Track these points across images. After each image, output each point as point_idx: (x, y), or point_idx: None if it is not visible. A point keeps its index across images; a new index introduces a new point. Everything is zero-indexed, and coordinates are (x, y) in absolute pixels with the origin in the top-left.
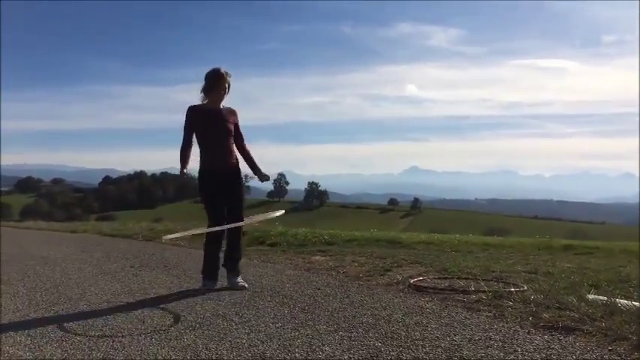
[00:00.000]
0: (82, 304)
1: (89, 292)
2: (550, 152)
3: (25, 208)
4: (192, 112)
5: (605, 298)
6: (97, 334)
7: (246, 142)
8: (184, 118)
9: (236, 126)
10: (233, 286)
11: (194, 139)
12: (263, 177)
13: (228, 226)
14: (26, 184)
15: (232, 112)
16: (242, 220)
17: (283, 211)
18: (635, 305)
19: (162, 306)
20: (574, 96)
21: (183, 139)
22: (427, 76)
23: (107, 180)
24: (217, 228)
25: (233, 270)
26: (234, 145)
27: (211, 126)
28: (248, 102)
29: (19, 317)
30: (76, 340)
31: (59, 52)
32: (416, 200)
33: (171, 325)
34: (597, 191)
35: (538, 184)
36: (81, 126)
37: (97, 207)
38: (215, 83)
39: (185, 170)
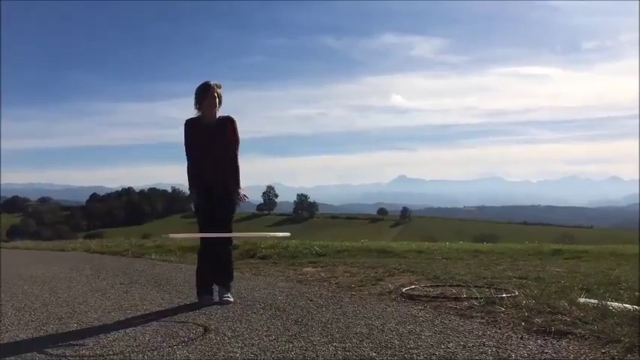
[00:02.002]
0: (72, 323)
1: (79, 311)
2: (536, 158)
3: (12, 227)
4: (188, 125)
5: (596, 301)
6: (88, 353)
7: (239, 152)
8: (183, 134)
9: (231, 134)
10: (220, 301)
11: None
12: (240, 198)
13: (235, 234)
14: (12, 204)
15: (228, 121)
16: (229, 239)
17: (289, 234)
18: (626, 307)
19: (154, 322)
20: (558, 102)
21: (187, 157)
22: (412, 85)
23: (95, 197)
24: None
25: (223, 285)
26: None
27: (205, 141)
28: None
29: (8, 338)
30: None
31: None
32: (405, 209)
33: (164, 341)
34: (584, 196)
35: (526, 190)
36: (68, 143)
37: (84, 225)
38: (203, 95)
39: (193, 190)
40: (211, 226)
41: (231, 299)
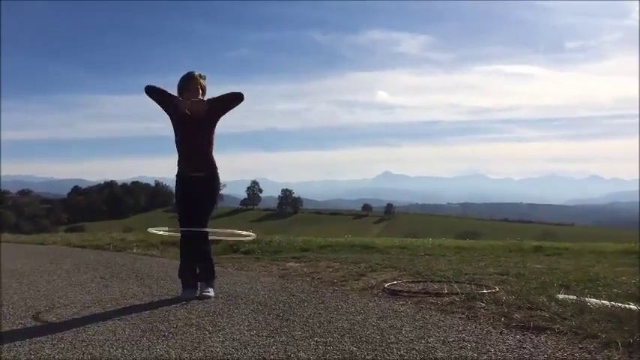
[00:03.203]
0: (51, 317)
1: (58, 304)
2: (519, 156)
3: None
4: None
5: (575, 297)
6: (66, 346)
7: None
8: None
9: (213, 108)
10: (200, 296)
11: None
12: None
13: (207, 229)
14: None
15: (204, 104)
16: (204, 229)
17: (254, 235)
18: (604, 304)
19: (134, 315)
20: (541, 101)
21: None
22: (397, 82)
23: (76, 190)
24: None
25: (204, 280)
26: (210, 149)
27: (187, 131)
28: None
29: None
30: (45, 354)
31: (26, 60)
32: (389, 205)
33: (144, 335)
34: (565, 194)
35: (508, 188)
36: (49, 135)
37: (65, 218)
38: (185, 85)
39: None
40: (189, 219)
41: (212, 294)
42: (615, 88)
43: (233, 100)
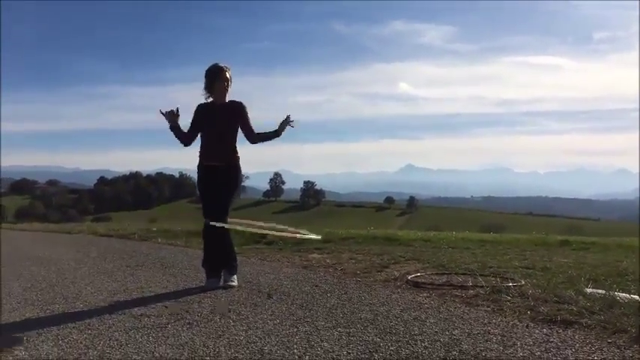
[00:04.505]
0: (78, 303)
1: (85, 292)
2: (544, 149)
3: (20, 209)
4: (197, 109)
5: (604, 291)
6: (93, 332)
7: (255, 131)
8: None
9: (243, 120)
10: (224, 285)
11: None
12: (285, 123)
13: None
14: (21, 186)
15: (238, 106)
16: (224, 218)
17: (319, 237)
18: (633, 298)
19: (159, 304)
20: (568, 93)
21: (188, 132)
22: (421, 73)
23: (102, 181)
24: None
25: (227, 269)
26: (234, 141)
27: (210, 121)
28: (242, 101)
29: (15, 317)
30: (72, 339)
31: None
32: (412, 198)
33: (169, 323)
34: (592, 188)
35: (533, 181)
36: (77, 127)
37: (92, 208)
38: (214, 78)
39: (175, 124)
40: (214, 208)
41: (235, 283)
42: None
43: (247, 135)
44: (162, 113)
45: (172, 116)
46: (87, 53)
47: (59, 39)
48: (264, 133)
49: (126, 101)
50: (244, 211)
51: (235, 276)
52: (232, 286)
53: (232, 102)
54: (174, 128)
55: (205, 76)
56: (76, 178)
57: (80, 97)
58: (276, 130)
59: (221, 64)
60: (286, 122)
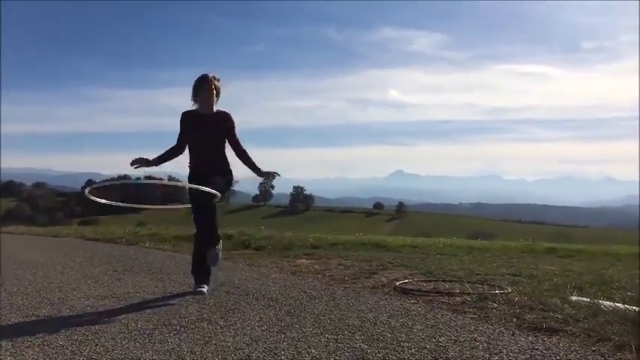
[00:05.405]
0: (64, 309)
1: (72, 296)
2: (533, 157)
3: (7, 212)
4: (183, 116)
5: (589, 299)
6: (79, 338)
7: (244, 147)
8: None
9: (230, 130)
10: (194, 291)
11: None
12: (269, 175)
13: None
14: (8, 188)
15: (225, 117)
16: (213, 217)
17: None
18: (617, 306)
19: (146, 309)
20: (557, 101)
21: (176, 144)
22: (411, 80)
23: (90, 183)
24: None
25: (208, 251)
26: (224, 150)
27: (199, 130)
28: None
29: (1, 322)
30: (58, 345)
31: (45, 54)
32: (401, 204)
33: (156, 329)
34: (580, 195)
35: (522, 188)
36: (67, 129)
37: (79, 211)
38: (199, 87)
39: (153, 160)
40: (203, 213)
41: (205, 290)
42: (632, 89)
43: (234, 148)
44: (134, 163)
45: (144, 160)
46: (79, 55)
47: (52, 40)
48: (251, 159)
49: (117, 104)
50: (233, 215)
51: (207, 284)
52: (202, 293)
53: (219, 112)
54: (159, 159)
55: (192, 86)
56: (64, 181)
57: (72, 99)
58: (259, 169)
59: (209, 75)
60: (272, 175)
